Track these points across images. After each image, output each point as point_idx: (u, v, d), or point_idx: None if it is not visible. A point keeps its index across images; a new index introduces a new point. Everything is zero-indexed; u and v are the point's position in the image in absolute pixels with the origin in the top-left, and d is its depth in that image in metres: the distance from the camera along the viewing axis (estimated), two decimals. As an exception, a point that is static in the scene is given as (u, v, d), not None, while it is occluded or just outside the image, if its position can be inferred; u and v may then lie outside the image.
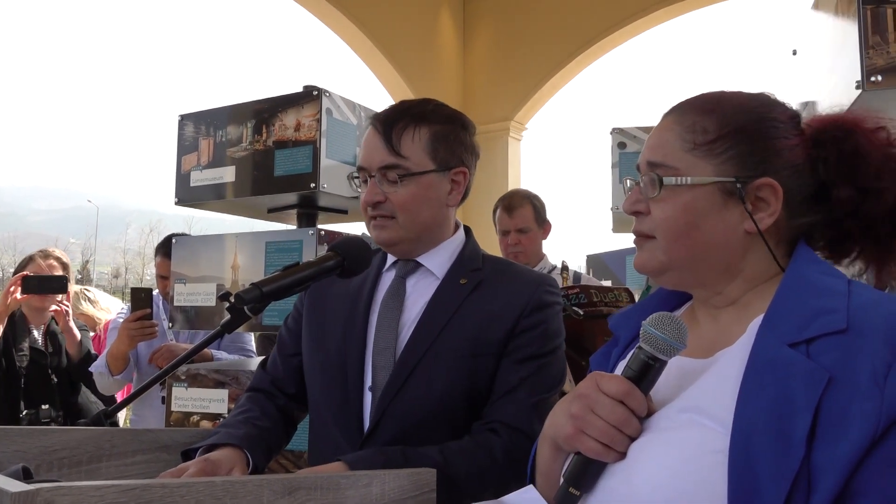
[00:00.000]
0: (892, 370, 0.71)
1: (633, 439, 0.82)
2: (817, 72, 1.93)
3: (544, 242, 3.07)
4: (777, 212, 0.88)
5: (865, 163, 0.89)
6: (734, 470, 0.72)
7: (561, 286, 1.88)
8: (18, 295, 2.79)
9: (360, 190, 1.42)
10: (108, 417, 1.18)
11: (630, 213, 0.96)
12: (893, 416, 0.69)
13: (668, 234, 0.90)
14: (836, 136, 0.91)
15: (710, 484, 0.74)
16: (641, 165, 0.95)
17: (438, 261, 1.42)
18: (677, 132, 0.92)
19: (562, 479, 0.85)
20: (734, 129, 0.89)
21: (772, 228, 0.89)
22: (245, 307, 1.12)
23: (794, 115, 0.94)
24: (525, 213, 2.95)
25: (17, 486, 0.56)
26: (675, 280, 0.95)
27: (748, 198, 0.88)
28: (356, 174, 1.43)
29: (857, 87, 1.46)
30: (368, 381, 1.35)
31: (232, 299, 1.12)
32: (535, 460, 0.95)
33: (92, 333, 3.86)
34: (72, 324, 2.98)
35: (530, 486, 0.74)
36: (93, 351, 3.08)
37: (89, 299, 4.23)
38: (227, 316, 1.17)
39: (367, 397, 1.34)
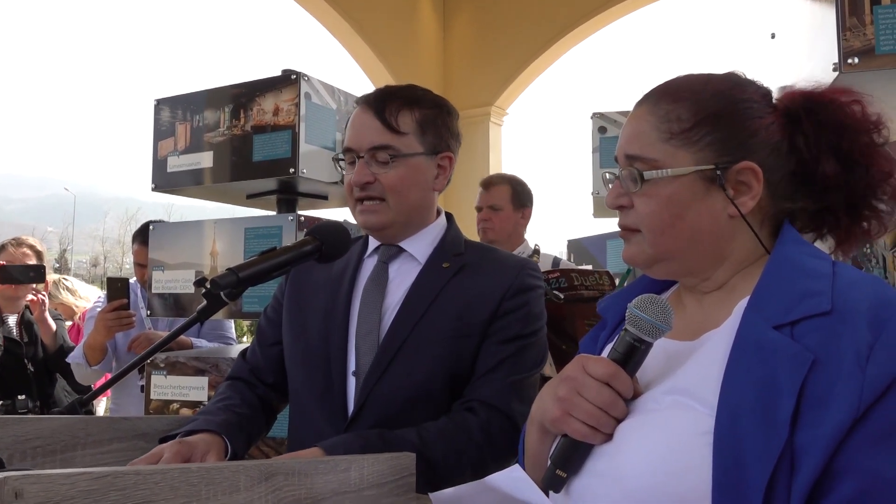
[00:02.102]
0: (873, 351, 0.71)
1: (619, 421, 0.83)
2: (796, 55, 1.94)
3: (528, 228, 3.08)
4: (759, 194, 0.88)
5: (848, 136, 0.89)
6: (719, 451, 0.73)
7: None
8: None
9: (344, 173, 1.41)
10: (83, 406, 1.17)
11: (613, 207, 0.95)
12: (873, 396, 0.70)
13: (653, 228, 0.90)
14: (809, 108, 0.91)
15: (695, 465, 0.74)
16: (619, 158, 0.94)
17: (421, 245, 1.42)
18: (652, 122, 0.91)
19: (549, 462, 0.85)
20: (709, 114, 0.89)
21: (755, 209, 0.89)
22: (221, 293, 1.10)
23: (766, 93, 0.94)
24: (500, 192, 2.96)
25: (-16, 475, 0.54)
26: (664, 270, 0.94)
27: (729, 183, 0.88)
28: (342, 156, 1.41)
29: (835, 70, 1.46)
30: (352, 366, 1.34)
31: (208, 285, 1.11)
32: (525, 443, 0.95)
33: (69, 323, 3.81)
34: (47, 314, 2.94)
35: (516, 466, 0.74)
36: (69, 341, 3.05)
37: (68, 288, 4.18)
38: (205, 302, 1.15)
39: (351, 382, 1.34)
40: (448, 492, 0.79)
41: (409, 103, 1.38)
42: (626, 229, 0.94)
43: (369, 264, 1.44)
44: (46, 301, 2.96)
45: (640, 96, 0.97)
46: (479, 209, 2.99)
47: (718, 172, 0.87)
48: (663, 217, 0.89)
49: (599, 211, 3.43)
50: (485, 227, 2.95)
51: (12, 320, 2.90)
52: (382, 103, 1.36)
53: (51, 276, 3.53)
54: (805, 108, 0.91)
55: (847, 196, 0.91)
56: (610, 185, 0.97)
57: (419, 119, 1.38)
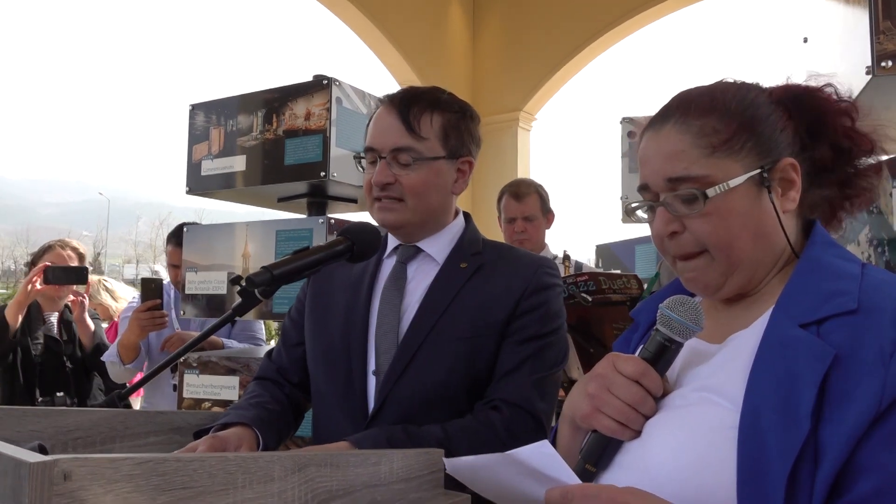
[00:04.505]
0: None
1: (647, 418, 0.84)
2: (828, 59, 1.92)
3: (548, 232, 3.09)
4: (800, 187, 0.90)
5: (830, 120, 0.92)
6: (743, 444, 0.74)
7: (563, 275, 1.89)
8: (39, 285, 2.81)
9: (364, 171, 1.43)
10: (121, 400, 1.21)
11: (665, 237, 0.91)
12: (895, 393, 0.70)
13: (721, 244, 0.88)
14: (797, 99, 0.93)
15: (720, 458, 0.75)
16: (655, 184, 0.91)
17: (439, 246, 1.44)
18: (688, 140, 0.89)
19: (579, 457, 0.87)
20: (743, 120, 0.89)
21: (795, 206, 0.90)
22: (256, 290, 1.13)
23: (769, 92, 0.95)
24: (532, 201, 2.96)
25: (35, 457, 0.57)
26: (734, 287, 0.91)
27: (775, 182, 0.88)
28: (363, 154, 1.43)
29: (868, 73, 1.45)
30: (372, 366, 1.37)
31: (243, 283, 1.14)
32: (556, 440, 0.96)
33: (106, 325, 3.89)
34: (86, 314, 3.01)
35: (545, 441, 0.75)
36: (105, 341, 3.12)
37: (108, 289, 4.27)
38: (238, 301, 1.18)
39: (371, 381, 1.36)
40: (466, 459, 0.79)
41: (434, 106, 1.39)
42: (688, 257, 0.90)
43: (388, 265, 1.46)
44: (86, 302, 3.04)
45: (653, 118, 0.95)
46: (511, 220, 2.97)
47: (765, 175, 0.87)
48: (730, 230, 0.87)
49: (628, 216, 3.42)
50: (521, 238, 2.93)
51: (53, 319, 2.98)
52: (407, 105, 1.37)
53: (92, 277, 3.62)
54: (793, 100, 0.93)
55: (839, 177, 0.93)
56: (640, 214, 0.95)
57: (443, 123, 1.39)
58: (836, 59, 1.82)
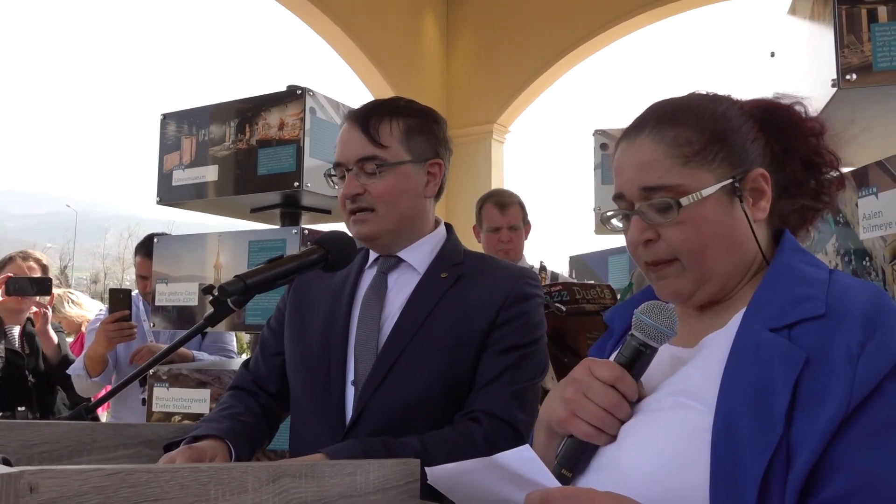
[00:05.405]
0: (865, 350, 0.74)
1: (623, 422, 0.85)
2: (795, 72, 1.97)
3: (525, 242, 3.10)
4: (770, 196, 0.92)
5: (801, 138, 0.95)
6: (717, 446, 0.75)
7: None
8: (0, 297, 2.74)
9: (336, 187, 1.44)
10: (88, 412, 1.18)
11: (639, 244, 0.92)
12: (863, 393, 0.72)
13: (693, 252, 0.89)
14: (770, 114, 0.95)
15: (694, 460, 0.76)
16: (630, 193, 0.92)
17: (419, 255, 1.44)
18: (662, 150, 0.90)
19: (555, 462, 0.87)
20: (716, 131, 0.91)
21: (765, 216, 0.92)
22: (228, 300, 1.12)
23: (741, 105, 0.97)
24: (515, 211, 2.97)
25: (-1, 469, 0.55)
26: (705, 295, 0.92)
27: (746, 192, 0.90)
28: (333, 172, 1.44)
29: (833, 86, 1.49)
30: (351, 376, 1.36)
31: (215, 292, 1.12)
32: (532, 446, 0.96)
33: (71, 339, 3.81)
34: (49, 326, 2.94)
35: (526, 446, 0.75)
36: (71, 355, 3.05)
37: (73, 302, 4.18)
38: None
39: (350, 391, 1.35)
40: (447, 467, 0.78)
41: (393, 113, 1.40)
42: (660, 263, 0.92)
43: (369, 275, 1.46)
44: (49, 314, 2.97)
45: (628, 128, 0.97)
46: (496, 230, 2.97)
47: (737, 185, 0.89)
48: (703, 238, 0.89)
49: (601, 227, 3.45)
50: (506, 248, 2.94)
51: (15, 332, 2.91)
52: (366, 116, 1.39)
53: (57, 290, 3.54)
54: (764, 114, 0.95)
55: (806, 189, 0.96)
56: (615, 222, 0.96)
57: (404, 128, 1.40)
58: (803, 72, 1.86)
